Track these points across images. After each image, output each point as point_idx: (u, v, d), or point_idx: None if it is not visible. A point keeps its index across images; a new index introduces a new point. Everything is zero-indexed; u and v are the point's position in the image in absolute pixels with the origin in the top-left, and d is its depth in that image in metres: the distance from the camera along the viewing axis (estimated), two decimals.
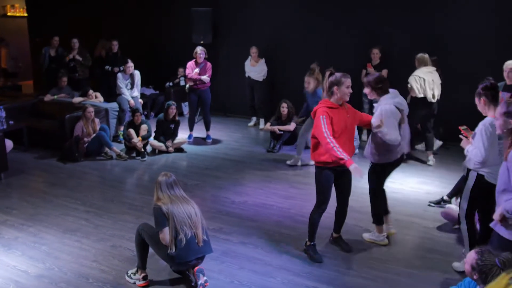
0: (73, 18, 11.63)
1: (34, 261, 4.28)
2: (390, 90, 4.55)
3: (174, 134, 7.75)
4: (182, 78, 9.73)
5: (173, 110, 7.59)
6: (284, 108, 7.91)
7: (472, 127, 4.05)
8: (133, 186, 6.46)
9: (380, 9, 8.43)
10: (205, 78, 7.95)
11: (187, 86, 8.22)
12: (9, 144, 6.68)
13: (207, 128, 8.44)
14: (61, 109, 7.91)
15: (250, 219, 5.25)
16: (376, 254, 4.49)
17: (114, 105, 8.28)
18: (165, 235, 3.68)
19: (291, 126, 7.93)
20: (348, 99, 4.24)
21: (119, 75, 8.28)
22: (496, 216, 3.22)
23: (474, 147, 3.82)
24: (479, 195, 3.93)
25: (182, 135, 8.08)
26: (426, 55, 7.14)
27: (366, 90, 4.57)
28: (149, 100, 9.81)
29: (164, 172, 3.95)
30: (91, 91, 8.68)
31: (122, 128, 8.08)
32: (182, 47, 9.19)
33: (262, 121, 9.40)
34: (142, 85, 8.84)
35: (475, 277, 2.83)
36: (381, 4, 8.42)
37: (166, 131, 7.65)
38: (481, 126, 3.81)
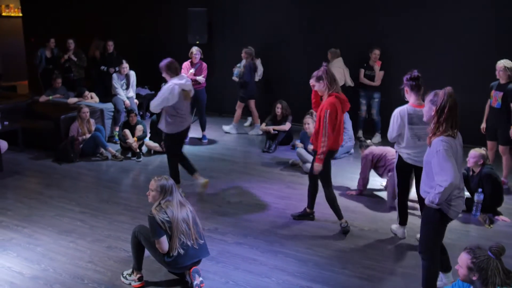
0: (69, 18, 11.61)
1: (29, 262, 4.28)
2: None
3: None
4: None
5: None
6: (278, 109, 7.93)
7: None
8: (128, 187, 6.45)
9: (379, 7, 8.47)
10: (201, 78, 7.96)
11: None
12: (4, 145, 6.67)
13: (203, 129, 8.45)
14: (56, 109, 7.89)
15: (245, 219, 5.26)
16: (371, 254, 4.51)
17: (109, 106, 8.28)
18: (162, 244, 3.68)
19: (286, 126, 7.95)
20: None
21: (114, 75, 8.28)
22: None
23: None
24: (400, 172, 4.57)
25: None
26: (338, 50, 8.37)
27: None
28: (144, 101, 9.79)
29: (160, 175, 3.89)
30: (86, 92, 8.67)
31: (117, 129, 8.07)
32: (178, 47, 9.19)
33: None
34: (137, 85, 8.85)
35: (474, 278, 2.74)
36: (381, 3, 8.45)
37: (160, 132, 7.61)
38: (395, 111, 4.44)
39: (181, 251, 3.71)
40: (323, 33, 9.05)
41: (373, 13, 8.53)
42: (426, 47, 8.12)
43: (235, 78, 8.77)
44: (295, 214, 5.26)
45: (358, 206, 5.65)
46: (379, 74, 8.18)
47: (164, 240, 3.68)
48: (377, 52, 8.11)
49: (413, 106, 4.39)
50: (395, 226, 4.94)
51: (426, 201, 3.40)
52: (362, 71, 8.29)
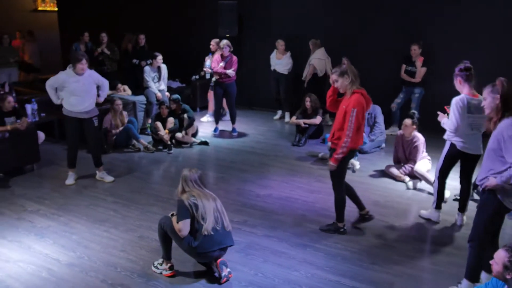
0: (102, 12, 11.83)
1: (65, 249, 4.42)
2: None
3: (185, 128, 7.77)
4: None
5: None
6: (308, 102, 7.88)
7: None
8: (159, 178, 6.56)
9: (419, 1, 8.30)
10: (230, 72, 7.98)
11: (213, 79, 8.28)
12: (41, 135, 6.88)
13: (233, 122, 8.49)
14: None
15: (274, 212, 5.28)
16: (402, 250, 4.46)
17: (141, 98, 8.42)
18: (184, 226, 3.75)
19: (317, 120, 7.90)
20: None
21: (146, 68, 8.40)
22: (491, 184, 3.40)
23: (450, 118, 4.54)
24: (449, 159, 4.75)
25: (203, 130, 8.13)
26: (318, 40, 8.72)
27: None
28: (176, 93, 9.88)
29: (189, 167, 4.01)
30: (119, 85, 8.84)
31: (149, 121, 8.22)
32: (208, 40, 9.24)
33: (287, 114, 9.39)
34: (168, 78, 8.94)
35: (508, 276, 2.73)
36: None
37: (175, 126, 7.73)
38: (454, 101, 4.51)
39: (208, 233, 3.75)
40: (354, 26, 8.93)
41: (410, 6, 8.35)
42: (466, 41, 7.92)
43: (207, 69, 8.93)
44: (354, 223, 4.93)
45: (388, 201, 5.58)
46: (420, 71, 7.95)
47: (187, 223, 3.75)
48: (414, 47, 7.92)
49: (470, 95, 4.53)
50: (428, 211, 5.08)
51: (493, 183, 3.36)
52: (403, 66, 8.12)
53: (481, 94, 3.98)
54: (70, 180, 6.06)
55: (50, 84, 5.84)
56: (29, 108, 7.18)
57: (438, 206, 4.99)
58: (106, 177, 6.21)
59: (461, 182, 4.93)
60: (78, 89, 5.76)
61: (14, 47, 10.46)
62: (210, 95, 9.18)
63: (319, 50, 8.73)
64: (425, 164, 5.99)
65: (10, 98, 6.27)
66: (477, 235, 3.56)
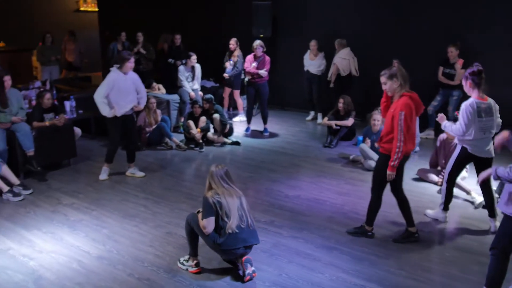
0: (139, 12, 12.10)
1: (96, 243, 4.56)
2: None
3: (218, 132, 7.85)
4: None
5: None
6: (341, 104, 7.80)
7: None
8: (190, 176, 6.65)
9: (456, 2, 8.09)
10: (263, 72, 8.00)
11: (246, 79, 8.33)
12: (77, 132, 7.11)
13: (265, 122, 8.51)
14: None
15: (302, 213, 5.26)
16: (431, 257, 4.36)
17: (175, 97, 8.56)
18: (208, 223, 3.80)
19: (349, 122, 7.81)
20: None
21: (181, 67, 8.52)
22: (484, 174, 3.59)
23: (458, 123, 4.54)
24: (460, 162, 4.78)
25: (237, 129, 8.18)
26: (344, 40, 8.68)
27: None
28: (209, 93, 10.00)
29: (217, 163, 4.06)
30: (154, 83, 9.03)
31: (182, 120, 8.34)
32: (242, 40, 9.29)
33: (320, 115, 9.33)
34: (202, 78, 9.06)
35: None
36: None
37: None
38: (463, 106, 4.50)
39: (232, 231, 3.79)
40: (389, 28, 8.78)
41: (447, 8, 8.14)
42: (504, 44, 7.65)
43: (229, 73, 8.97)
44: (396, 238, 4.67)
45: (419, 206, 5.44)
46: (459, 73, 7.69)
47: (211, 220, 3.80)
48: (451, 49, 7.69)
49: (479, 99, 4.51)
50: (434, 211, 5.14)
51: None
52: (441, 69, 7.91)
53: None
54: (104, 175, 6.23)
55: (102, 93, 5.84)
56: (67, 105, 7.44)
57: (445, 208, 5.03)
58: (137, 172, 6.35)
59: (481, 188, 4.83)
60: (125, 88, 5.91)
61: (55, 46, 10.82)
62: (236, 94, 9.28)
63: (344, 50, 8.70)
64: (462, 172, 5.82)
65: (49, 95, 6.50)
66: (499, 242, 3.45)
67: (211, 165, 4.05)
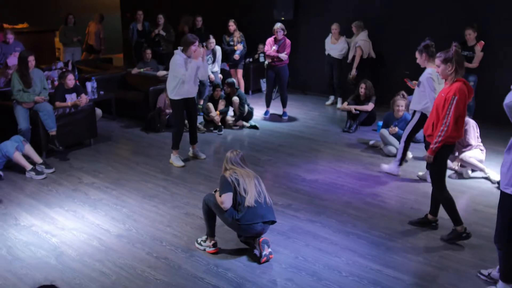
0: None
1: (115, 221, 4.64)
2: None
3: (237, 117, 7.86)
4: (262, 55, 9.80)
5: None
6: (362, 89, 7.70)
7: None
8: (209, 158, 6.67)
9: None
10: (283, 55, 7.93)
11: (266, 62, 8.28)
12: (98, 112, 7.20)
13: (284, 105, 8.47)
14: (146, 81, 8.30)
15: (319, 197, 5.25)
16: (450, 245, 4.30)
17: None
18: (226, 199, 3.87)
19: (369, 107, 7.72)
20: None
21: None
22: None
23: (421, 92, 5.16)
24: (419, 126, 5.36)
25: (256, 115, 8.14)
26: (362, 22, 8.62)
27: None
28: (229, 76, 9.99)
29: (233, 149, 4.13)
30: None
31: (201, 102, 8.36)
32: (262, 23, 9.22)
33: (340, 100, 9.24)
34: (222, 61, 9.03)
35: None
36: None
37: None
38: (426, 75, 4.96)
39: (251, 205, 3.86)
40: (413, 11, 8.58)
41: None
42: None
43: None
44: (413, 220, 4.65)
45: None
46: (478, 56, 7.51)
47: (229, 196, 3.88)
48: (469, 31, 7.48)
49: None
50: (388, 166, 5.90)
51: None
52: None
53: None
54: (180, 162, 6.15)
55: (181, 72, 5.73)
56: (89, 86, 7.51)
57: (400, 164, 5.81)
58: (200, 154, 6.41)
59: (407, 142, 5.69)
60: (191, 72, 5.84)
61: (78, 27, 10.88)
62: (239, 74, 9.32)
63: (364, 33, 8.61)
64: (477, 154, 5.74)
65: (71, 76, 6.57)
66: (501, 236, 3.41)
67: (230, 148, 4.08)
